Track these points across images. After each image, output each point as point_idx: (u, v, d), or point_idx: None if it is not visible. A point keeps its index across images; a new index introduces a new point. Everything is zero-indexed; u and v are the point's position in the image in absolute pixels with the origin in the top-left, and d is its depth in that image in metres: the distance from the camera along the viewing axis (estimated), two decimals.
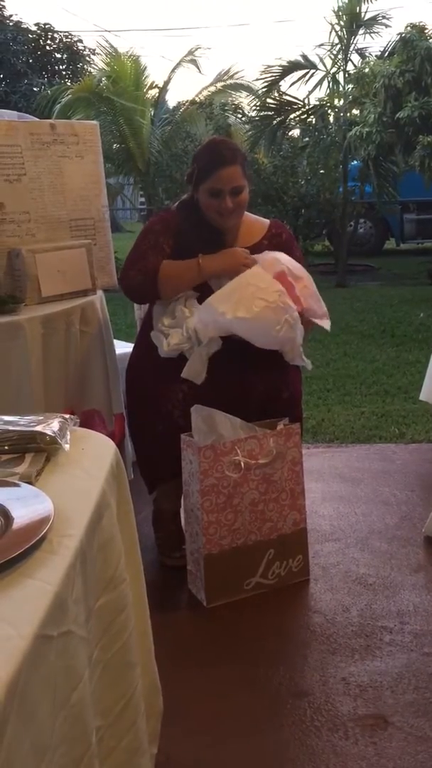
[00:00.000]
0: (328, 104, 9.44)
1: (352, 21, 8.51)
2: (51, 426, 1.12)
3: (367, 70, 8.48)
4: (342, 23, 8.55)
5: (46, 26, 15.29)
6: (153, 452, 2.15)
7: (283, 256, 2.16)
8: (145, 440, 2.19)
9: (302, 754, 1.47)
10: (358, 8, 8.49)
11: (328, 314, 2.29)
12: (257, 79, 9.77)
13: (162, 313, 2.14)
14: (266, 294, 2.02)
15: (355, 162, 8.96)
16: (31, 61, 14.71)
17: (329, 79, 9.03)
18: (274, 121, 9.33)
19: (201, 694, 1.67)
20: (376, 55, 9.05)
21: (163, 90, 11.33)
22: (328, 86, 9.09)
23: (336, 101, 9.33)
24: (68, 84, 11.96)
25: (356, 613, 1.95)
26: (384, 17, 8.71)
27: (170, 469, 2.08)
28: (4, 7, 14.85)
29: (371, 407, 3.81)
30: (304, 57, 9.23)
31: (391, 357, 4.90)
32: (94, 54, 13.98)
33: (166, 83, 11.33)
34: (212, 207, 2.13)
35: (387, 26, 8.77)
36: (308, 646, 1.84)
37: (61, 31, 15.37)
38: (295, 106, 9.37)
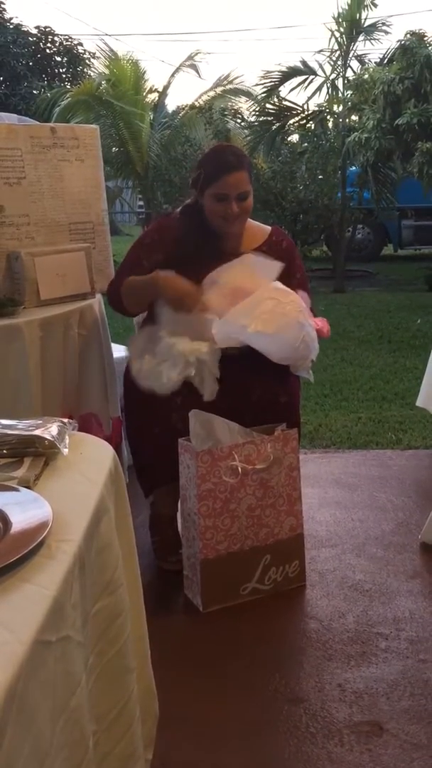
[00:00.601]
0: (327, 110, 9.47)
1: (352, 27, 8.54)
2: (50, 430, 1.12)
3: (366, 76, 8.52)
4: (342, 30, 8.59)
5: (47, 29, 15.33)
6: (150, 456, 2.15)
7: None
8: (142, 444, 2.19)
9: (297, 761, 1.47)
10: (358, 15, 8.53)
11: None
12: (257, 85, 9.82)
13: (141, 355, 2.11)
14: (286, 309, 2.02)
15: (354, 168, 8.99)
16: (31, 64, 14.74)
17: (328, 85, 9.07)
18: (273, 127, 9.36)
19: (197, 699, 1.67)
20: (375, 62, 9.10)
21: (163, 94, 11.36)
22: (328, 92, 9.14)
23: (335, 107, 9.37)
24: (68, 87, 11.99)
25: (352, 620, 1.95)
26: (384, 24, 8.77)
27: (167, 474, 2.08)
28: (4, 9, 14.88)
29: (368, 413, 3.81)
30: (304, 63, 9.27)
31: (389, 363, 4.90)
32: (94, 57, 14.04)
33: (166, 87, 11.37)
34: (218, 212, 2.13)
35: (387, 33, 8.82)
36: (304, 652, 1.84)
37: (61, 35, 15.42)
38: (295, 112, 9.40)
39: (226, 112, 10.46)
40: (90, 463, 1.11)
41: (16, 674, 0.63)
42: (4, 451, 1.09)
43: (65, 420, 1.21)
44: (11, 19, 14.97)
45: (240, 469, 1.96)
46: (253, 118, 10.14)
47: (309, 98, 10.59)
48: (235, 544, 2.00)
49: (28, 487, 0.99)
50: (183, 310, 2.06)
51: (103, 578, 0.96)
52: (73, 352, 2.17)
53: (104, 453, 1.16)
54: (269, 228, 2.36)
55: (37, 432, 1.11)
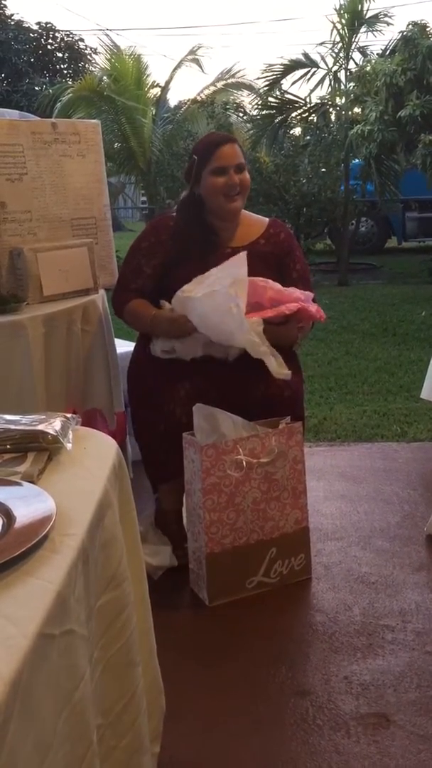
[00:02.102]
0: (330, 103, 9.44)
1: (354, 19, 8.50)
2: (53, 425, 1.12)
3: (368, 68, 8.47)
4: (344, 21, 8.54)
5: (48, 25, 15.31)
6: (157, 451, 2.15)
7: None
8: (148, 439, 2.19)
9: (304, 753, 1.48)
10: (359, 6, 8.48)
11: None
12: (259, 78, 9.80)
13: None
14: (221, 283, 2.00)
15: (357, 160, 8.95)
16: (32, 60, 14.73)
17: (331, 77, 9.03)
18: (276, 120, 9.33)
19: (203, 692, 1.67)
20: (377, 54, 9.05)
21: (165, 89, 11.35)
22: (330, 85, 9.10)
23: (338, 100, 9.33)
24: (69, 83, 11.96)
25: (358, 612, 1.95)
26: (386, 15, 8.72)
27: (175, 468, 2.08)
28: (5, 6, 14.85)
29: (373, 406, 3.81)
30: (306, 55, 9.24)
31: (393, 356, 4.89)
32: (95, 53, 14.02)
33: (168, 82, 11.34)
34: (219, 187, 2.16)
35: (389, 24, 8.78)
36: (310, 644, 1.84)
37: (62, 30, 15.40)
38: (297, 105, 9.37)
39: (228, 106, 10.43)
40: (93, 457, 1.11)
41: (20, 667, 0.63)
42: (8, 446, 1.09)
43: (69, 415, 1.21)
44: (12, 15, 14.96)
45: (245, 463, 1.96)
46: (255, 112, 10.12)
47: (311, 91, 10.59)
48: (240, 537, 2.00)
49: (31, 482, 0.99)
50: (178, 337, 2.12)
51: (107, 572, 0.96)
52: (77, 348, 2.17)
53: (108, 448, 1.16)
54: (267, 220, 2.36)
55: (41, 427, 1.11)
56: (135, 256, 2.28)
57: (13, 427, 1.12)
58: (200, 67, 11.25)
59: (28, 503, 0.90)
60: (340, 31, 8.62)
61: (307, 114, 9.38)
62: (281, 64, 9.24)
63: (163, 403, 2.08)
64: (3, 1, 14.74)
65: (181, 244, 2.20)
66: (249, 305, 2.00)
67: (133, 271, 2.27)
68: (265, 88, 9.58)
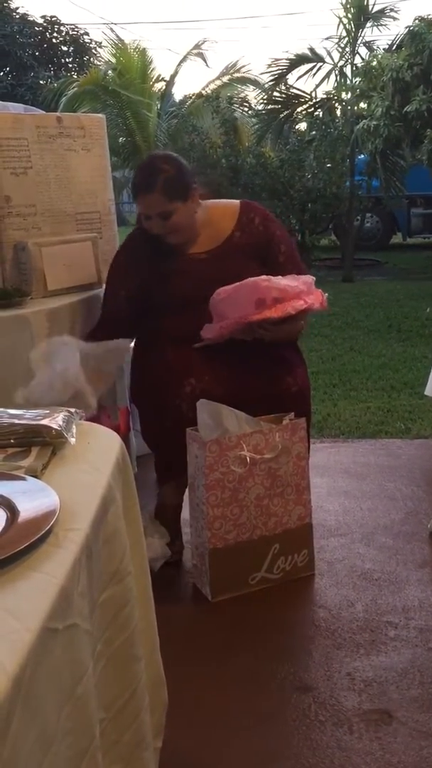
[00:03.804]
0: (336, 98, 9.41)
1: (360, 14, 8.47)
2: (57, 420, 1.12)
3: (374, 63, 8.44)
4: (350, 16, 8.51)
5: (53, 19, 15.28)
6: (165, 448, 2.14)
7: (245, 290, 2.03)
8: (155, 436, 2.18)
9: (306, 749, 1.48)
10: (365, 1, 8.45)
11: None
12: (264, 73, 9.77)
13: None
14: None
15: (362, 156, 8.93)
16: (37, 53, 14.71)
17: (337, 72, 9.00)
18: (281, 115, 9.31)
19: (206, 687, 1.68)
20: (384, 49, 9.01)
21: (170, 83, 11.33)
22: (336, 80, 9.08)
23: (343, 95, 9.30)
24: (74, 77, 11.96)
25: (361, 608, 1.95)
26: (392, 10, 8.69)
27: (182, 465, 2.07)
28: (10, 0, 14.82)
29: (377, 402, 3.80)
30: (312, 50, 9.21)
31: (398, 352, 4.88)
32: (100, 47, 14.01)
33: (173, 76, 11.33)
34: (145, 226, 2.12)
35: (395, 19, 8.75)
36: (313, 640, 1.84)
37: (67, 24, 15.39)
38: (302, 100, 9.35)
39: (233, 101, 10.41)
40: (97, 452, 1.11)
41: (23, 662, 0.63)
42: (12, 441, 1.09)
43: (72, 409, 1.21)
44: (17, 9, 14.94)
45: (248, 459, 1.96)
46: (260, 107, 10.09)
47: (317, 86, 10.53)
48: (243, 533, 2.00)
49: (35, 477, 0.99)
50: None
51: (111, 567, 0.96)
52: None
53: (112, 442, 1.16)
54: (237, 205, 2.25)
55: (45, 421, 1.11)
56: (113, 282, 2.22)
57: (16, 421, 1.12)
58: (205, 61, 11.26)
59: (32, 498, 0.90)
60: (346, 25, 8.58)
61: (312, 109, 9.35)
62: (287, 59, 9.22)
63: (168, 398, 2.07)
64: None
65: (154, 259, 2.15)
66: (252, 304, 1.98)
67: (113, 296, 2.21)
68: (271, 83, 9.56)
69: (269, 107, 9.56)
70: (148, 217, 2.10)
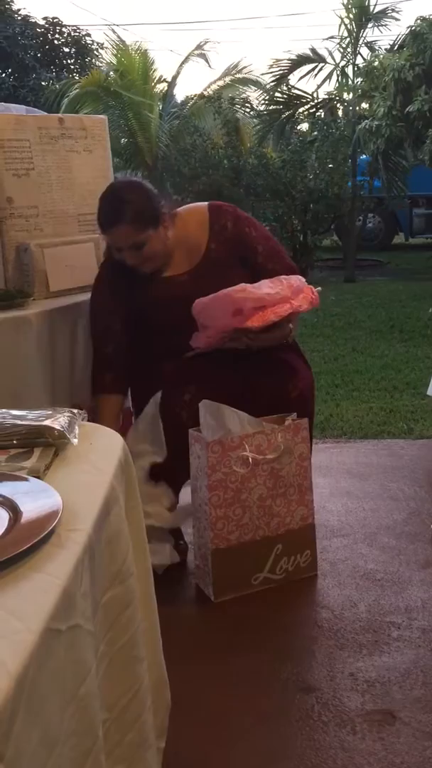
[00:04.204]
0: (337, 98, 9.42)
1: (362, 14, 8.48)
2: (59, 420, 1.12)
3: (376, 63, 8.45)
4: (351, 16, 8.52)
5: (54, 20, 15.30)
6: (167, 459, 2.13)
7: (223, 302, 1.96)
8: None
9: (309, 749, 1.47)
10: (367, 1, 8.45)
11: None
12: (266, 73, 9.79)
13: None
14: None
15: (364, 156, 8.93)
16: (39, 55, 14.72)
17: (338, 72, 9.01)
18: (283, 115, 9.32)
19: (208, 688, 1.68)
20: (385, 49, 9.01)
21: (172, 84, 11.34)
22: (338, 80, 9.09)
23: (345, 95, 9.32)
24: (76, 78, 11.97)
25: (364, 609, 1.95)
26: (393, 10, 8.71)
27: (184, 474, 2.06)
28: (12, 1, 14.84)
29: (379, 403, 3.80)
30: (313, 50, 9.22)
31: (400, 352, 4.88)
32: (102, 48, 14.02)
33: (175, 77, 11.34)
34: (117, 257, 2.06)
35: (396, 19, 8.78)
36: (316, 641, 1.84)
37: (69, 25, 15.40)
38: (304, 100, 9.35)
39: (235, 102, 10.41)
40: (100, 453, 1.11)
41: (26, 662, 0.63)
42: (14, 442, 1.09)
43: (75, 410, 1.21)
44: (19, 10, 14.95)
45: (251, 460, 1.96)
46: (262, 107, 10.10)
47: (319, 86, 10.61)
48: (246, 534, 2.00)
49: (38, 477, 0.99)
50: None
51: (113, 568, 0.96)
52: (83, 344, 2.17)
53: (114, 443, 1.16)
54: (205, 210, 2.14)
55: (47, 422, 1.11)
56: (98, 315, 2.13)
57: (19, 422, 1.12)
58: (207, 62, 11.27)
59: (35, 498, 0.90)
60: (348, 26, 8.59)
61: (314, 109, 9.36)
62: (288, 59, 9.23)
63: (169, 407, 2.06)
64: None
65: (126, 281, 2.08)
66: (229, 314, 1.94)
67: (102, 333, 2.12)
68: (272, 84, 9.57)
69: (271, 108, 9.56)
70: (120, 249, 2.03)
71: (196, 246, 2.12)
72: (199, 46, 11.19)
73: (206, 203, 2.19)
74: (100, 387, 2.12)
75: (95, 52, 15.16)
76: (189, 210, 2.18)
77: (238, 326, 1.96)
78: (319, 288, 2.10)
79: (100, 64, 12.78)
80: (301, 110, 9.44)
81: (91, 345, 2.18)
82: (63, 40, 15.44)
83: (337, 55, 8.98)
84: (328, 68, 9.10)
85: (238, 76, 11.31)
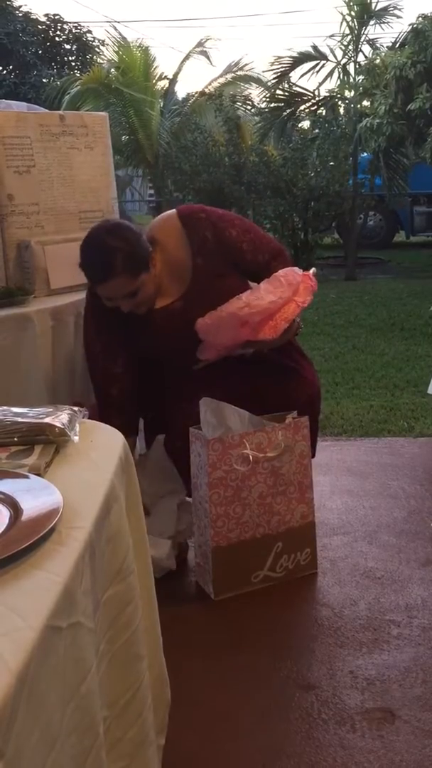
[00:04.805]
0: (339, 96, 9.39)
1: (363, 11, 8.44)
2: (60, 418, 1.12)
3: (378, 61, 8.43)
4: (353, 14, 8.49)
5: (56, 17, 15.27)
6: (176, 464, 2.10)
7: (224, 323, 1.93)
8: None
9: (309, 747, 1.48)
10: None
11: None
12: (267, 71, 9.76)
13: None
14: None
15: (366, 154, 8.91)
16: (40, 52, 14.69)
17: (340, 70, 8.98)
18: (284, 113, 9.30)
19: (208, 686, 1.68)
20: (387, 46, 8.99)
21: (173, 81, 11.32)
22: (339, 77, 9.06)
23: (346, 93, 9.29)
24: (77, 75, 11.95)
25: (364, 607, 1.95)
26: (395, 8, 8.66)
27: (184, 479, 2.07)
28: None
29: (380, 401, 3.80)
30: (315, 48, 9.20)
31: (401, 351, 4.88)
32: (103, 45, 13.99)
33: (176, 74, 11.32)
34: (109, 305, 1.96)
35: (398, 17, 8.72)
36: (316, 639, 1.84)
37: (70, 22, 15.36)
38: (305, 98, 9.33)
39: (236, 99, 10.39)
40: (100, 450, 1.11)
41: (27, 660, 0.63)
42: (15, 439, 1.09)
43: (76, 408, 1.21)
44: (20, 7, 14.92)
45: (251, 458, 1.96)
46: (263, 105, 10.08)
47: (320, 84, 10.56)
48: (246, 531, 2.00)
49: (38, 475, 0.99)
50: None
51: (114, 565, 0.96)
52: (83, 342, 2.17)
53: (115, 441, 1.16)
54: (178, 224, 2.00)
55: (48, 420, 1.11)
56: (96, 359, 2.05)
57: (20, 419, 1.12)
58: (208, 59, 11.25)
59: (35, 496, 0.90)
60: (350, 23, 8.56)
61: (315, 107, 9.34)
62: (290, 57, 9.20)
63: (174, 420, 2.04)
64: None
65: (112, 315, 1.98)
66: (238, 330, 1.92)
67: (103, 377, 2.04)
68: (274, 81, 9.55)
69: (272, 105, 9.55)
70: (112, 299, 1.93)
71: (181, 266, 2.00)
72: (200, 44, 11.17)
73: (174, 213, 2.04)
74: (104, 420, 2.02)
75: (96, 49, 15.13)
76: (162, 228, 2.03)
77: (250, 339, 1.95)
78: (314, 270, 2.05)
79: (102, 61, 12.74)
80: (302, 108, 9.42)
81: None
82: (64, 37, 15.41)
83: (339, 53, 8.96)
84: (329, 66, 9.08)
85: (239, 73, 11.28)
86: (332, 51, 9.03)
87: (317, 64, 9.14)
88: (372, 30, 9.04)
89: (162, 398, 2.12)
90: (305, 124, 10.08)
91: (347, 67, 8.91)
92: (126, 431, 2.05)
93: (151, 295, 1.97)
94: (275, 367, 2.11)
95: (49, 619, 0.69)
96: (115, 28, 21.98)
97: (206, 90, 10.95)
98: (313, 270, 2.05)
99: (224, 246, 2.01)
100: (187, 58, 11.16)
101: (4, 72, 14.30)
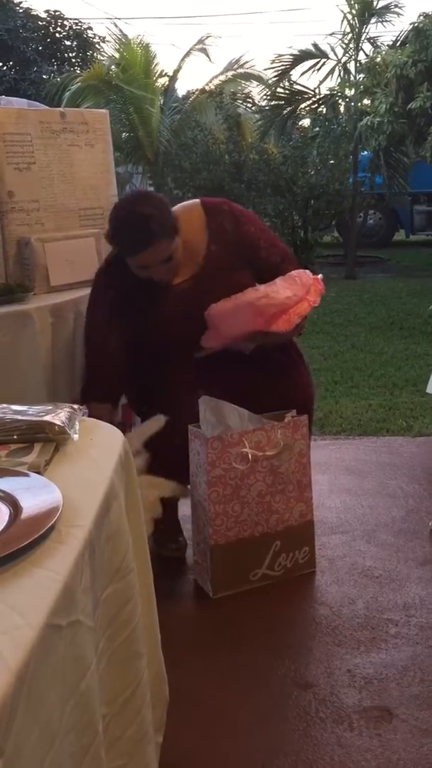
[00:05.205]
0: (339, 94, 9.38)
1: (364, 10, 8.44)
2: (60, 416, 1.12)
3: (378, 59, 8.42)
4: (354, 12, 8.48)
5: (56, 13, 15.23)
6: (172, 462, 2.11)
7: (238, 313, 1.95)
8: (161, 451, 2.15)
9: (307, 746, 1.48)
10: None
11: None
12: (268, 68, 9.76)
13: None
14: None
15: (366, 153, 8.90)
16: (40, 48, 14.65)
17: (340, 68, 8.98)
18: (285, 111, 9.30)
19: (206, 684, 1.68)
20: (388, 45, 8.98)
21: (173, 78, 11.30)
22: (339, 76, 9.05)
23: (347, 91, 9.28)
24: (78, 72, 11.93)
25: (362, 606, 1.96)
26: (396, 6, 8.67)
27: (181, 476, 2.05)
28: None
29: (379, 400, 3.80)
30: (316, 46, 9.19)
31: (400, 349, 4.88)
32: (103, 41, 13.96)
33: (176, 72, 11.29)
34: (143, 276, 1.97)
35: (399, 15, 8.72)
36: (314, 637, 1.84)
37: (71, 19, 15.31)
38: (306, 96, 9.33)
39: (236, 97, 10.38)
40: (100, 448, 1.11)
41: (27, 658, 0.63)
42: (15, 437, 1.09)
43: (75, 406, 1.21)
44: (21, 3, 14.87)
45: (250, 456, 1.96)
46: (264, 103, 10.08)
47: (321, 82, 10.58)
48: (245, 530, 2.00)
49: (38, 473, 0.99)
50: None
51: (114, 564, 0.96)
52: (83, 339, 2.16)
53: (114, 439, 1.16)
54: (200, 210, 2.06)
55: (48, 418, 1.11)
56: (95, 329, 2.03)
57: (20, 417, 1.12)
58: (208, 56, 11.22)
59: (35, 494, 0.90)
60: (351, 21, 8.56)
61: (316, 105, 9.33)
62: (290, 55, 9.19)
63: (176, 417, 2.03)
64: None
65: (125, 293, 2.00)
66: (252, 320, 1.94)
67: (96, 349, 2.02)
68: (274, 79, 9.54)
69: (272, 103, 9.54)
70: (147, 267, 1.93)
71: (196, 249, 2.03)
72: (200, 41, 11.15)
73: (198, 201, 2.12)
74: (87, 396, 2.00)
75: (97, 45, 15.10)
76: (183, 211, 2.06)
77: (263, 330, 1.96)
78: (320, 275, 2.12)
79: (102, 58, 12.72)
80: (302, 106, 9.41)
81: None
82: (65, 34, 15.37)
83: (340, 51, 8.95)
84: (330, 64, 9.08)
85: (239, 71, 11.26)
86: (333, 49, 9.03)
87: (318, 62, 9.14)
88: (373, 28, 8.99)
89: (159, 395, 2.11)
90: (306, 122, 10.07)
91: (348, 65, 8.91)
92: (106, 399, 2.01)
93: (180, 261, 1.98)
94: (271, 368, 2.12)
95: (49, 617, 0.69)
96: (116, 25, 22.00)
97: (207, 87, 10.93)
98: (320, 275, 2.11)
99: (242, 240, 2.06)
100: (187, 55, 11.15)
101: (4, 68, 14.26)
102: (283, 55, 9.25)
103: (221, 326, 1.99)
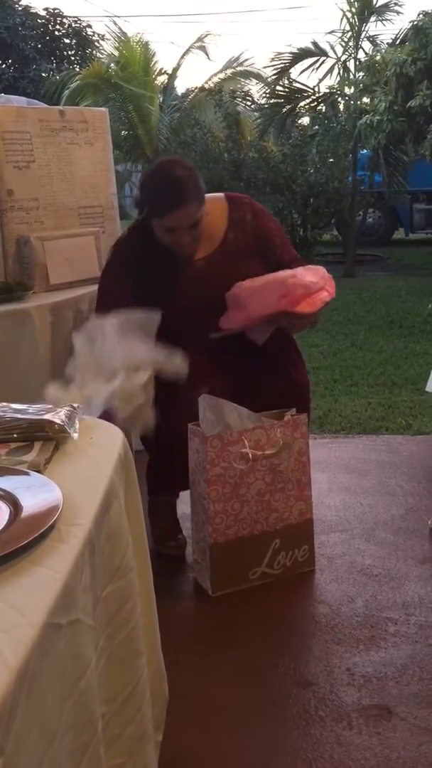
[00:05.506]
0: (339, 92, 9.38)
1: (364, 8, 8.44)
2: (60, 414, 1.13)
3: (378, 57, 8.41)
4: (354, 10, 8.48)
5: (55, 11, 15.24)
6: (169, 462, 2.11)
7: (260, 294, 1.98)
8: (158, 450, 2.16)
9: (306, 744, 1.48)
10: None
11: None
12: (267, 66, 9.76)
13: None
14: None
15: (365, 151, 8.91)
16: (39, 46, 14.65)
17: (340, 66, 8.98)
18: (284, 109, 9.30)
19: (205, 682, 1.68)
20: (387, 43, 8.98)
21: (173, 76, 11.31)
22: (339, 74, 9.06)
23: (346, 89, 9.27)
24: (77, 70, 11.93)
25: (361, 604, 1.96)
26: (396, 4, 8.68)
27: (179, 479, 2.06)
28: None
29: (378, 398, 3.80)
30: (315, 44, 9.19)
31: (399, 348, 4.88)
32: (103, 39, 13.97)
33: (176, 70, 11.31)
34: (168, 241, 2.01)
35: (399, 13, 8.72)
36: (313, 636, 1.84)
37: (70, 17, 15.35)
38: (305, 94, 9.32)
39: (236, 95, 10.38)
40: (100, 447, 1.11)
41: (27, 656, 0.64)
42: (15, 435, 1.09)
43: (75, 405, 1.21)
44: (20, 0, 14.87)
45: (250, 455, 1.96)
46: (263, 101, 10.09)
47: (320, 80, 10.61)
48: (244, 528, 2.01)
49: (38, 471, 0.99)
50: None
51: (113, 562, 0.96)
52: None
53: (114, 438, 1.16)
54: (224, 200, 2.15)
55: (48, 416, 1.11)
56: (106, 296, 2.03)
57: (19, 416, 1.12)
58: (207, 54, 11.23)
59: (35, 493, 0.90)
60: (350, 19, 8.55)
61: (315, 103, 9.33)
62: (290, 53, 9.19)
63: (175, 416, 2.04)
64: None
65: (143, 266, 2.04)
66: (277, 299, 1.97)
67: (105, 305, 1.95)
68: (274, 77, 9.54)
69: (272, 101, 9.54)
70: (175, 230, 1.97)
71: (214, 233, 2.10)
72: (200, 39, 11.16)
73: (222, 194, 2.20)
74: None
75: (96, 43, 15.11)
76: (209, 199, 2.12)
77: (287, 309, 1.98)
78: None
79: (101, 56, 12.72)
80: (302, 104, 9.42)
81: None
82: (64, 32, 15.38)
83: (339, 49, 8.96)
84: (329, 62, 9.09)
85: (239, 69, 11.28)
86: (332, 47, 9.04)
87: (317, 61, 9.14)
88: (372, 26, 9.07)
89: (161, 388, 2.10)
90: (305, 120, 10.08)
91: (347, 63, 8.91)
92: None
93: (205, 230, 2.03)
94: (269, 365, 2.12)
95: (49, 616, 0.70)
96: (115, 23, 21.96)
97: (206, 85, 10.94)
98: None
99: (260, 233, 2.13)
100: (186, 53, 11.15)
101: (3, 66, 14.26)
102: (283, 53, 9.26)
103: (248, 303, 2.01)
